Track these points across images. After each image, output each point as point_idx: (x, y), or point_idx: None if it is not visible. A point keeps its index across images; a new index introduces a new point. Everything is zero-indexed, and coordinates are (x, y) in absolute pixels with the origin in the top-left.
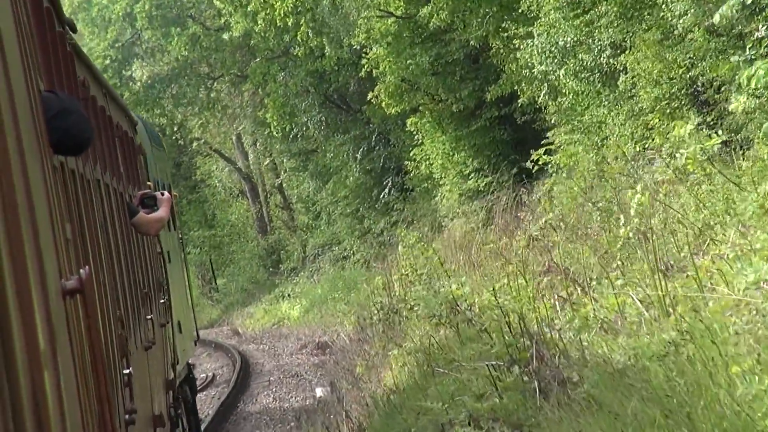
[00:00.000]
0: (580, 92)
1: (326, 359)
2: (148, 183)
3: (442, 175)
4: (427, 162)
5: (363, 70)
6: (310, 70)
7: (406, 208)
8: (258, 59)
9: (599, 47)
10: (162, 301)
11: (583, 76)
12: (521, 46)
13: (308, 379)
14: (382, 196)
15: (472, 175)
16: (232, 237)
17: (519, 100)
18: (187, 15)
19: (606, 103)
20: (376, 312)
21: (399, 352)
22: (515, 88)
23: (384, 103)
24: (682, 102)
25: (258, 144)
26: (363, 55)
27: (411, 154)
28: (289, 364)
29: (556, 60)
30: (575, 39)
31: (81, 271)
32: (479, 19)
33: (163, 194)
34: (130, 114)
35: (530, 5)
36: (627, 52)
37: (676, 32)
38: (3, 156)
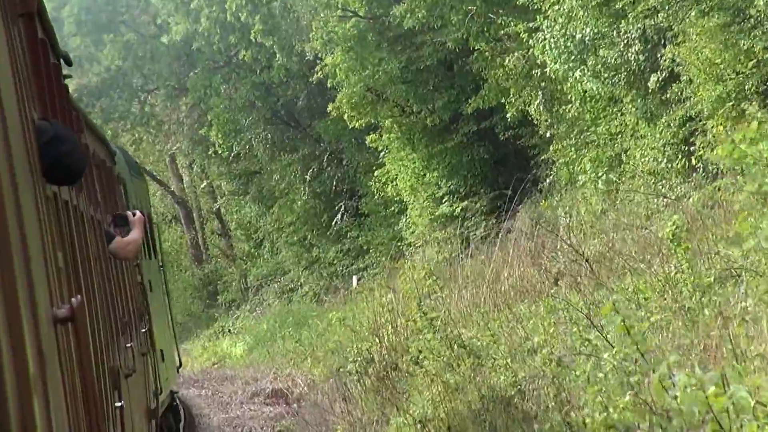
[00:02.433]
0: (593, 97)
1: (285, 411)
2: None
3: (412, 199)
4: (393, 183)
5: (316, 75)
6: (256, 82)
7: (361, 235)
8: (198, 69)
9: (626, 41)
10: (143, 330)
11: (605, 76)
12: (531, 41)
13: None
14: (333, 222)
15: (446, 198)
16: (165, 266)
17: (506, 113)
18: (120, 21)
19: (633, 109)
20: (361, 363)
21: (404, 421)
22: (501, 99)
23: (347, 115)
24: (752, 103)
25: (195, 165)
26: (317, 62)
27: (375, 175)
28: (241, 417)
29: (572, 57)
30: (596, 31)
31: (72, 299)
32: (460, 17)
33: (134, 214)
34: (108, 143)
35: None
36: (672, 43)
37: (752, 11)
38: None
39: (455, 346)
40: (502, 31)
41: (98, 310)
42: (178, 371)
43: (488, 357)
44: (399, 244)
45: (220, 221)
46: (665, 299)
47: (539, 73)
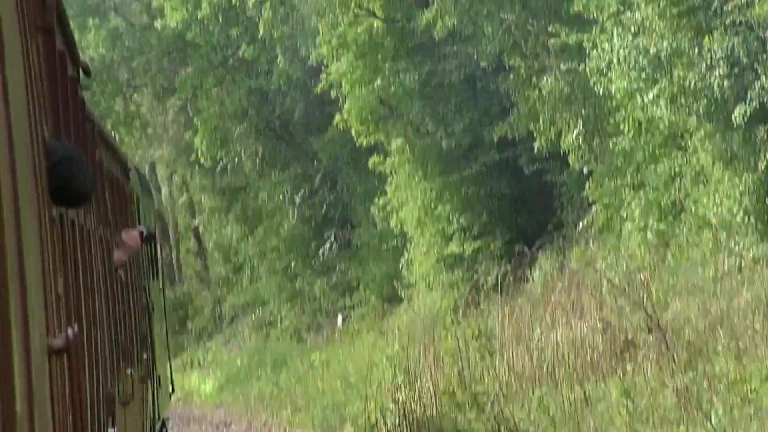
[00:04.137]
0: (652, 130)
1: None
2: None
3: (417, 233)
4: (397, 214)
5: (320, 86)
6: (252, 88)
7: (351, 269)
8: (191, 68)
9: (709, 61)
10: (145, 356)
11: (681, 102)
12: (593, 52)
13: None
14: (321, 251)
15: (457, 235)
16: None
17: (534, 142)
18: (110, 6)
19: (708, 146)
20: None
21: None
22: (530, 127)
23: (354, 129)
24: None
25: (176, 176)
26: (322, 70)
27: (377, 203)
28: None
29: (643, 75)
30: (674, 47)
31: (69, 330)
32: (494, 27)
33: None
34: (124, 159)
35: (588, 3)
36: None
37: None
38: None
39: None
40: (552, 41)
41: (98, 337)
42: (170, 397)
43: None
44: (395, 283)
45: (198, 240)
46: None
47: (583, 98)
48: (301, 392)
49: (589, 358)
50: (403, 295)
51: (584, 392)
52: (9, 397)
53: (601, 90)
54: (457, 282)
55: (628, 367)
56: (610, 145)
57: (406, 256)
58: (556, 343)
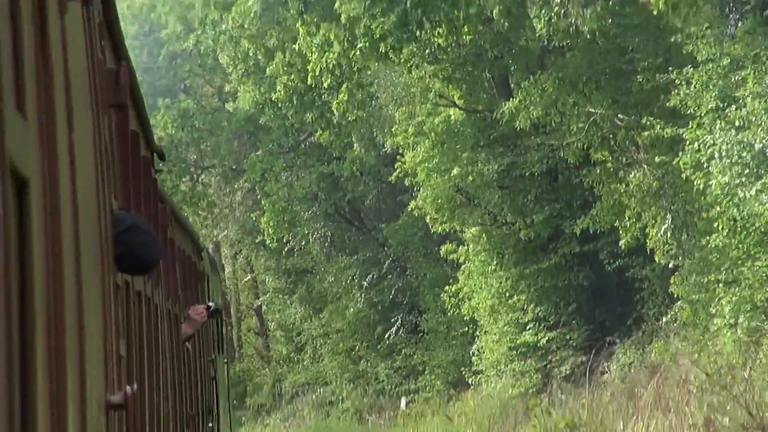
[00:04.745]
0: (747, 228)
1: None
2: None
3: (489, 321)
4: (470, 301)
5: (394, 175)
6: (324, 173)
7: (417, 354)
8: (261, 152)
9: None
10: (210, 425)
11: None
12: (689, 146)
13: None
14: (387, 335)
15: (531, 325)
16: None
17: (618, 238)
18: (180, 88)
19: None
20: None
21: None
22: (615, 222)
23: (429, 217)
24: None
25: (240, 257)
26: (398, 157)
27: (447, 290)
28: None
29: (746, 171)
30: None
31: (128, 387)
32: (581, 124)
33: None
34: (197, 240)
35: (686, 98)
36: None
37: None
38: (57, 269)
39: None
40: (646, 134)
41: (162, 401)
42: None
43: None
44: (462, 369)
45: (260, 320)
46: None
47: (673, 192)
48: None
49: None
50: (470, 381)
51: None
52: None
53: (701, 185)
54: (530, 371)
55: None
56: (703, 241)
57: (476, 343)
58: None
